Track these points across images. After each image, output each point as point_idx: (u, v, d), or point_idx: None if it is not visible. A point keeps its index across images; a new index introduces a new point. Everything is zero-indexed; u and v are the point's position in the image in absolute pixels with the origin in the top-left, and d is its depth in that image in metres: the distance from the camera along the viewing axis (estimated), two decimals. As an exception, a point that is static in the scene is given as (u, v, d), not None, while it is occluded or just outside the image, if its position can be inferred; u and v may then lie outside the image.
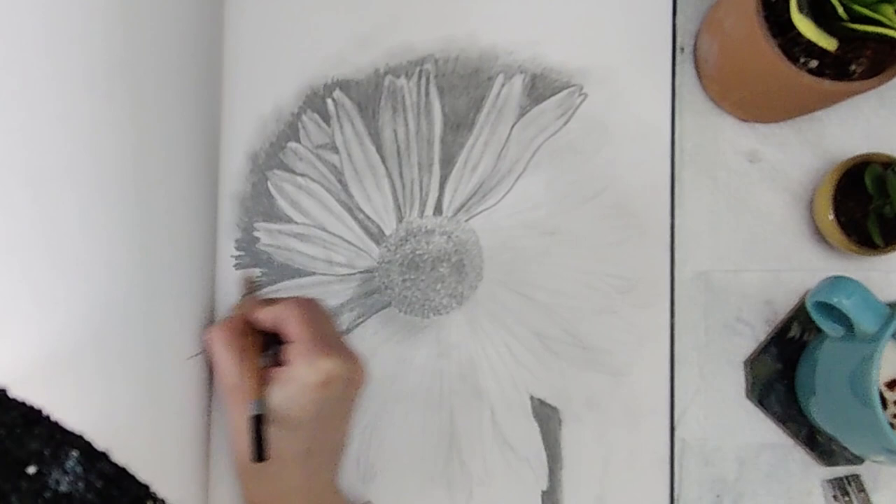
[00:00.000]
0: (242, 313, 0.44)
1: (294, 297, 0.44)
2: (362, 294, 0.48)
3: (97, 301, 0.37)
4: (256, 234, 0.48)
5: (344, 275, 0.48)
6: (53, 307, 0.36)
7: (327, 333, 0.43)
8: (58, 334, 0.36)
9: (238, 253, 0.48)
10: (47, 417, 0.30)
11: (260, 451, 0.40)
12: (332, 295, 0.48)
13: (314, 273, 0.48)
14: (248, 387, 0.41)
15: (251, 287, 0.47)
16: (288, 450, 0.41)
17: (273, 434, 0.40)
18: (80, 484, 0.29)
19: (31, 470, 0.28)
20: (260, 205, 0.48)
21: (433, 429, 0.47)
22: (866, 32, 0.39)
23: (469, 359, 0.48)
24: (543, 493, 0.47)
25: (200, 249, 0.45)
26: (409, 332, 0.48)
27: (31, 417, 0.30)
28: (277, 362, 0.42)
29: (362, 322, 0.48)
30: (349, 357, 0.42)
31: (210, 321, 0.46)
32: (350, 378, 0.42)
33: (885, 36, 0.39)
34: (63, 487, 0.28)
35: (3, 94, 0.34)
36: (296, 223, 0.48)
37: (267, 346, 0.44)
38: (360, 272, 0.48)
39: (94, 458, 0.29)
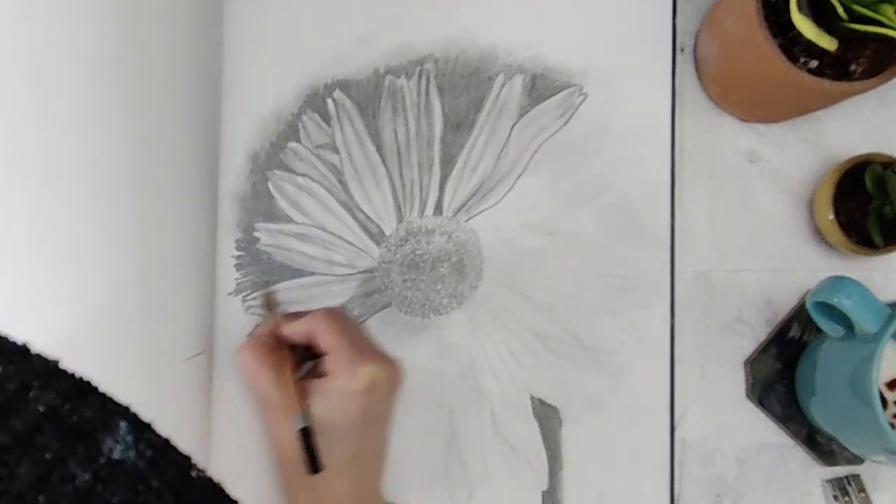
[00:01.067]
0: (271, 329, 0.44)
1: (322, 309, 0.44)
2: (362, 294, 0.48)
3: (97, 302, 0.37)
4: (256, 234, 0.48)
5: (344, 275, 0.48)
6: (53, 308, 0.36)
7: (361, 340, 0.43)
8: (57, 335, 0.36)
9: (238, 253, 0.48)
10: (97, 388, 0.31)
11: (314, 463, 0.41)
12: (333, 295, 0.48)
13: (314, 273, 0.48)
14: (288, 401, 0.41)
15: (273, 303, 0.47)
16: (336, 458, 0.41)
17: (322, 444, 0.40)
18: (130, 452, 0.30)
19: (87, 437, 0.29)
20: (260, 205, 0.48)
21: (433, 429, 0.47)
22: (866, 32, 0.39)
23: (469, 359, 0.48)
24: (544, 493, 0.47)
25: (200, 249, 0.45)
26: (409, 333, 0.48)
27: (83, 387, 0.31)
28: (315, 375, 0.43)
29: (363, 322, 0.48)
30: (386, 361, 0.42)
31: (210, 322, 0.46)
32: (391, 381, 0.42)
33: (885, 36, 0.39)
34: (116, 455, 0.30)
35: (2, 94, 0.34)
36: (296, 223, 0.48)
37: (300, 359, 0.44)
38: (361, 272, 0.48)
39: (142, 428, 0.31)
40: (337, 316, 0.43)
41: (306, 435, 0.42)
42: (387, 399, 0.43)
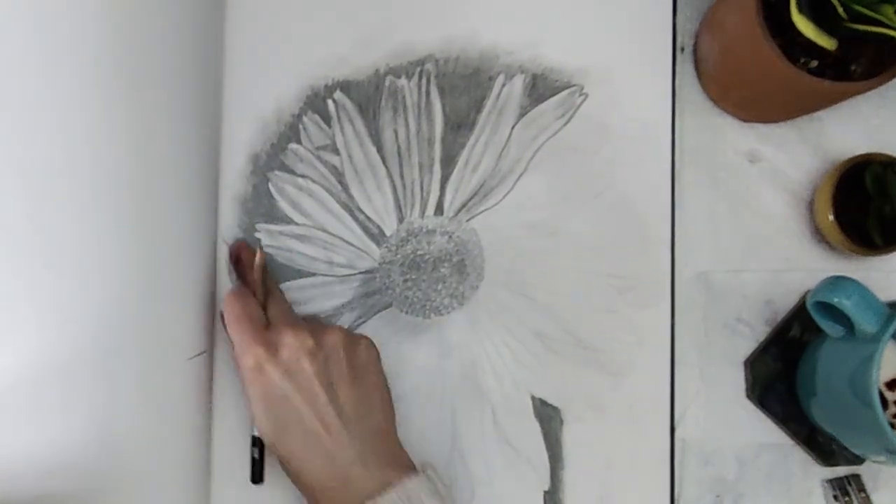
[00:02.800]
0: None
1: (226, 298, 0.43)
2: (363, 295, 0.48)
3: (97, 303, 0.37)
4: (257, 235, 0.48)
5: (345, 275, 0.48)
6: (53, 310, 0.36)
7: (253, 324, 0.42)
8: (58, 337, 0.36)
9: (239, 254, 0.48)
10: None
11: (260, 474, 0.44)
12: (333, 296, 0.48)
13: (315, 274, 0.48)
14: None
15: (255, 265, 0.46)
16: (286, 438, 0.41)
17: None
18: None
19: None
20: (261, 206, 0.48)
21: (435, 429, 0.48)
22: (866, 32, 0.39)
23: (470, 359, 0.48)
24: (545, 493, 0.47)
25: (201, 251, 0.45)
26: (410, 333, 0.48)
27: None
28: None
29: (363, 322, 0.48)
30: (280, 335, 0.41)
31: (210, 322, 0.46)
32: (292, 347, 0.41)
33: (885, 36, 0.39)
34: None
35: (2, 95, 0.34)
36: (296, 224, 0.48)
37: None
38: (361, 273, 0.48)
39: None
40: (227, 305, 0.43)
41: (259, 445, 0.44)
42: (315, 364, 0.41)
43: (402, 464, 0.42)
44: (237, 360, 0.42)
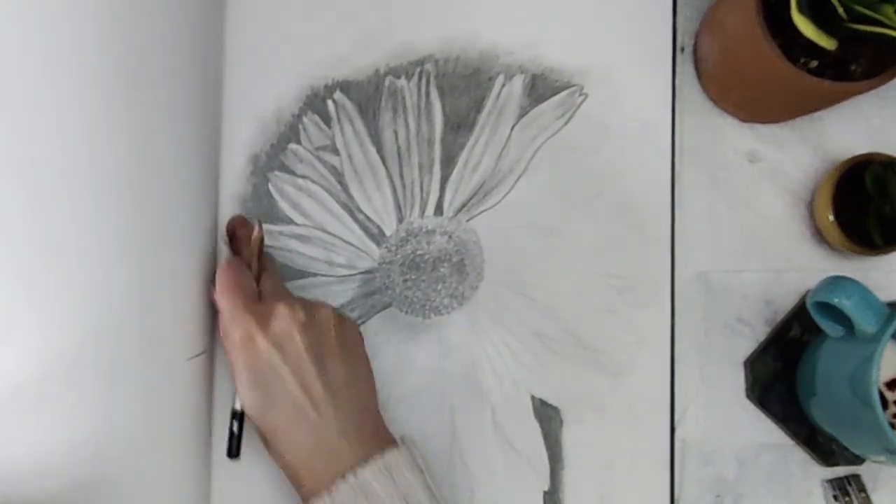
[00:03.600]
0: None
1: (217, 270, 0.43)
2: (363, 295, 0.48)
3: (97, 303, 0.37)
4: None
5: (344, 276, 0.48)
6: (53, 309, 0.36)
7: (246, 294, 0.42)
8: (57, 337, 0.36)
9: (239, 254, 0.48)
10: None
11: (237, 448, 0.44)
12: (333, 296, 0.48)
13: (315, 274, 0.48)
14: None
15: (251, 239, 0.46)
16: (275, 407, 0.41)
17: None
18: None
19: None
20: (261, 206, 0.48)
21: (434, 429, 0.48)
22: (866, 32, 0.39)
23: (470, 359, 0.48)
24: (545, 493, 0.47)
25: (201, 251, 0.45)
26: (410, 333, 0.48)
27: None
28: None
29: (363, 323, 0.48)
30: (273, 307, 0.41)
31: (210, 322, 0.46)
32: (284, 319, 0.41)
33: (886, 36, 0.39)
34: None
35: (2, 96, 0.34)
36: (296, 224, 0.48)
37: None
38: (361, 273, 0.48)
39: None
40: (220, 276, 0.43)
41: (239, 419, 0.44)
42: (298, 337, 0.41)
43: (383, 437, 0.42)
44: (225, 330, 0.41)
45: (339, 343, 0.42)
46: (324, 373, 0.41)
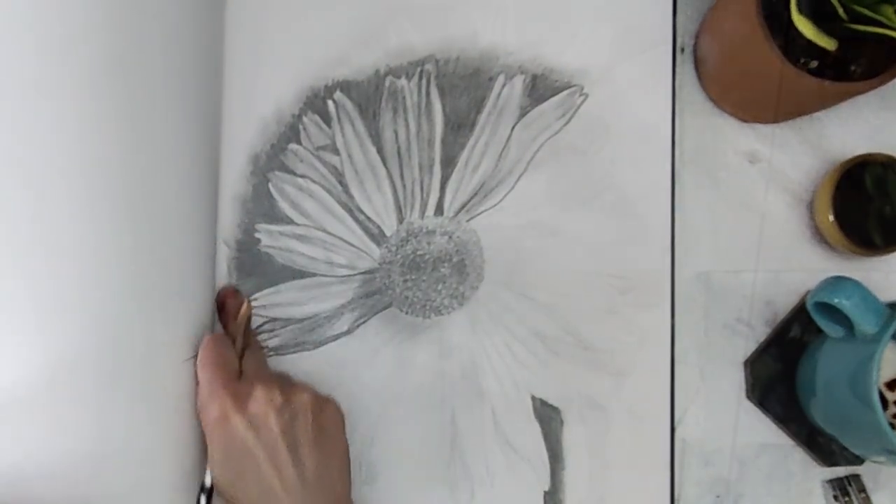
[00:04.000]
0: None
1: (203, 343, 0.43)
2: (363, 295, 0.48)
3: (96, 303, 0.37)
4: (257, 235, 0.48)
5: (345, 276, 0.48)
6: (53, 309, 0.36)
7: (226, 371, 0.42)
8: (58, 339, 0.36)
9: (239, 254, 0.48)
10: None
11: None
12: (333, 296, 0.48)
13: (315, 274, 0.48)
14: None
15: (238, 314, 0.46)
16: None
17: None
18: None
19: None
20: (261, 206, 0.48)
21: (435, 429, 0.48)
22: (866, 32, 0.39)
23: (470, 359, 0.48)
24: (545, 493, 0.47)
25: (201, 251, 0.45)
26: (410, 333, 0.48)
27: None
28: None
29: (363, 323, 0.48)
30: (251, 388, 0.41)
31: (210, 322, 0.46)
32: (260, 402, 0.40)
33: (885, 36, 0.39)
34: None
35: (2, 96, 0.34)
36: (296, 224, 0.48)
37: None
38: (361, 273, 0.48)
39: None
40: (204, 350, 0.42)
41: (208, 494, 0.44)
42: (277, 422, 0.40)
43: None
44: (202, 405, 0.41)
45: (315, 429, 0.41)
46: (297, 459, 0.40)
